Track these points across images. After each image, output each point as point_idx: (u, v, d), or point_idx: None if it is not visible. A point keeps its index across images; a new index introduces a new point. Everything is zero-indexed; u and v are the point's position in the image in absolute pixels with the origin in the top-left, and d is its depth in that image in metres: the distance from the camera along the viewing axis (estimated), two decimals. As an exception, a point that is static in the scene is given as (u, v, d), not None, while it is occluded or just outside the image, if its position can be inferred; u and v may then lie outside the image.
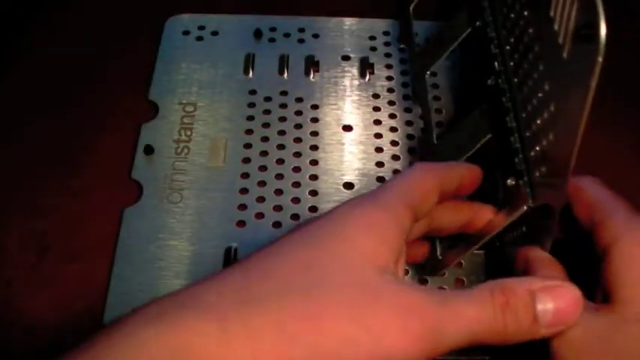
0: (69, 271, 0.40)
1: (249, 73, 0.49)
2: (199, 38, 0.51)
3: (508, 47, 0.36)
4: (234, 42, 0.51)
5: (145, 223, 0.41)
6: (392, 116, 0.47)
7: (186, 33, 0.51)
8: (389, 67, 0.50)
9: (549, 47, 0.29)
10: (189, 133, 0.45)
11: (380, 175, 0.44)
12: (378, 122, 0.47)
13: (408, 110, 0.47)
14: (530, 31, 0.33)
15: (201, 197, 0.42)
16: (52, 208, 0.42)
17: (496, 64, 0.37)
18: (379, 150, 0.45)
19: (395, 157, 0.45)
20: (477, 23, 0.40)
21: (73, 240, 0.41)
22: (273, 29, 0.51)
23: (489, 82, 0.36)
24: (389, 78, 0.49)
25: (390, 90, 0.48)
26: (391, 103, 0.48)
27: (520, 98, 0.34)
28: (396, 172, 0.44)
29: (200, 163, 0.44)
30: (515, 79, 0.35)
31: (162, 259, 0.40)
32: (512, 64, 0.35)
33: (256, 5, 0.53)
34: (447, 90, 0.48)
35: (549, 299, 0.27)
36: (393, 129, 0.46)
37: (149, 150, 0.44)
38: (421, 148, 0.44)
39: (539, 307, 0.27)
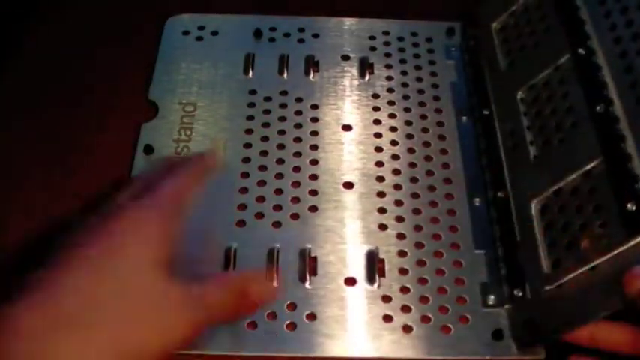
0: (69, 271, 0.40)
1: (249, 73, 0.49)
2: (199, 38, 0.51)
3: (629, 77, 0.37)
4: (234, 42, 0.51)
5: (145, 223, 0.41)
6: (392, 116, 0.47)
7: (186, 33, 0.51)
8: (389, 67, 0.50)
9: None
10: (189, 132, 0.45)
11: (380, 174, 0.44)
12: (378, 122, 0.46)
13: (407, 110, 0.47)
14: None
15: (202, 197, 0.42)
16: (52, 208, 0.42)
17: (605, 91, 0.37)
18: (379, 150, 0.45)
19: (395, 157, 0.45)
20: (580, 51, 0.40)
21: (73, 240, 0.41)
22: (273, 29, 0.51)
23: (598, 109, 0.37)
24: (389, 78, 0.49)
25: (390, 90, 0.48)
26: (391, 103, 0.48)
27: None
28: (395, 172, 0.44)
29: (200, 163, 0.44)
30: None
31: (162, 259, 0.40)
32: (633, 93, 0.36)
33: (256, 5, 0.53)
34: (447, 90, 0.48)
35: None
36: (393, 129, 0.46)
37: (149, 150, 0.44)
38: (512, 164, 0.42)
39: None
